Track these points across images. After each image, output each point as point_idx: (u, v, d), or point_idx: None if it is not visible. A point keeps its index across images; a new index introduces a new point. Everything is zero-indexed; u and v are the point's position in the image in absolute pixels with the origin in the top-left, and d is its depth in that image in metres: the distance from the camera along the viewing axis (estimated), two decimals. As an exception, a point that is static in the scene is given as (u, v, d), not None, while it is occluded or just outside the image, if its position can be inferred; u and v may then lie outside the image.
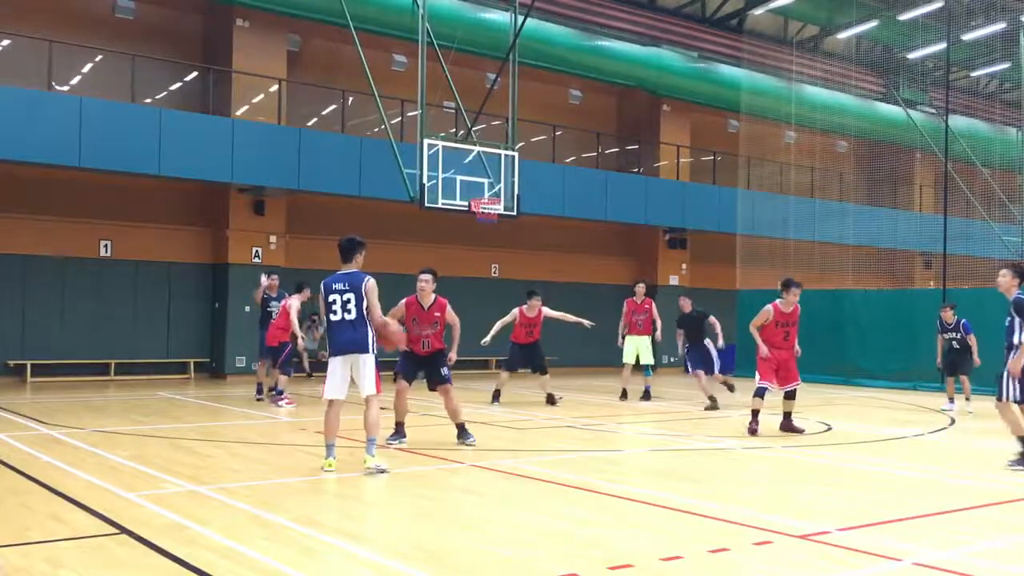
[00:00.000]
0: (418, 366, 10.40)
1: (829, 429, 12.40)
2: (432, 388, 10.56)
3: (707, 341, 15.50)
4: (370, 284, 8.31)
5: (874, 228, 27.13)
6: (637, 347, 16.29)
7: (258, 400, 15.00)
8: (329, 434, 8.39)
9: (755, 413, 11.76)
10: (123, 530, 6.06)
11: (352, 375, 8.36)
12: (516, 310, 15.06)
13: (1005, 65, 30.67)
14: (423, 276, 10.28)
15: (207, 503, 7.07)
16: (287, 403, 14.21)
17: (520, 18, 18.18)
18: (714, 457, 10.24)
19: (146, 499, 7.08)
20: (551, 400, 14.98)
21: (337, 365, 8.34)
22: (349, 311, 8.28)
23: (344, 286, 8.30)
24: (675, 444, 11.00)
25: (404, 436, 10.23)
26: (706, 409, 14.68)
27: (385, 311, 8.63)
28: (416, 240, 22.25)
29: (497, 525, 6.53)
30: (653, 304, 16.45)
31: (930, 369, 19.57)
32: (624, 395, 16.31)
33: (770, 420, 12.09)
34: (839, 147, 29.68)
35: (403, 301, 10.33)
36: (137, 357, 19.56)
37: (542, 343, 15.42)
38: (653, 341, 16.44)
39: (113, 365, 19.24)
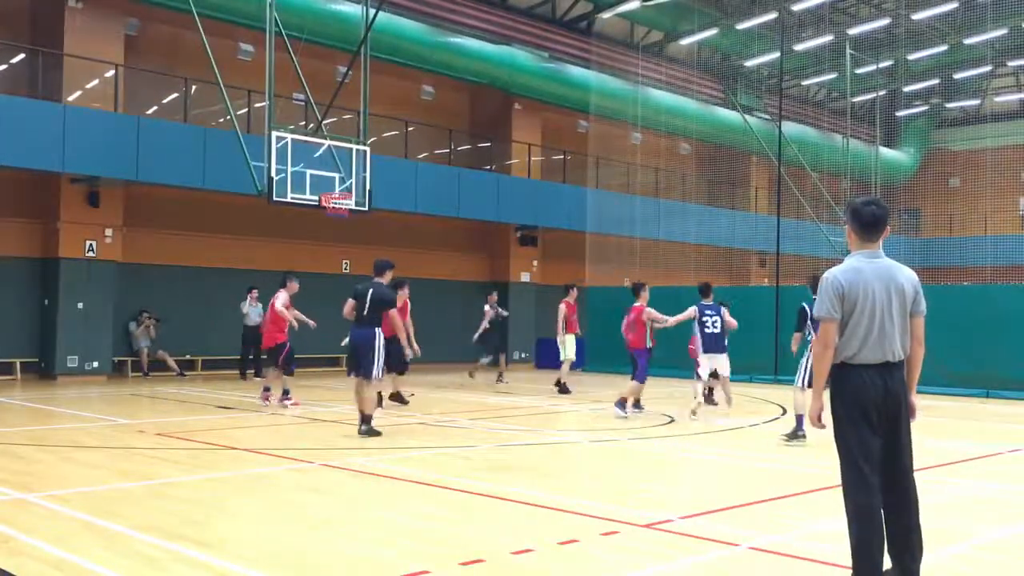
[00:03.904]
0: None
1: (672, 421, 12.89)
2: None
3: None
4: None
5: (714, 228, 28.40)
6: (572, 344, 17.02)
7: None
8: None
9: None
10: (-60, 544, 5.64)
11: None
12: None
13: (832, 76, 32.72)
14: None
15: (36, 512, 6.67)
16: (293, 403, 13.95)
17: (372, 11, 17.99)
18: (562, 451, 10.47)
19: (-33, 510, 6.62)
20: (400, 398, 14.37)
21: None
22: None
23: None
24: (524, 439, 11.16)
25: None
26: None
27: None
28: (265, 235, 21.69)
29: (347, 525, 6.46)
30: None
31: (765, 362, 20.68)
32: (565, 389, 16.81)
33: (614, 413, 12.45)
34: (682, 149, 30.88)
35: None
36: (-44, 357, 18.25)
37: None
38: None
39: (-71, 366, 17.89)
